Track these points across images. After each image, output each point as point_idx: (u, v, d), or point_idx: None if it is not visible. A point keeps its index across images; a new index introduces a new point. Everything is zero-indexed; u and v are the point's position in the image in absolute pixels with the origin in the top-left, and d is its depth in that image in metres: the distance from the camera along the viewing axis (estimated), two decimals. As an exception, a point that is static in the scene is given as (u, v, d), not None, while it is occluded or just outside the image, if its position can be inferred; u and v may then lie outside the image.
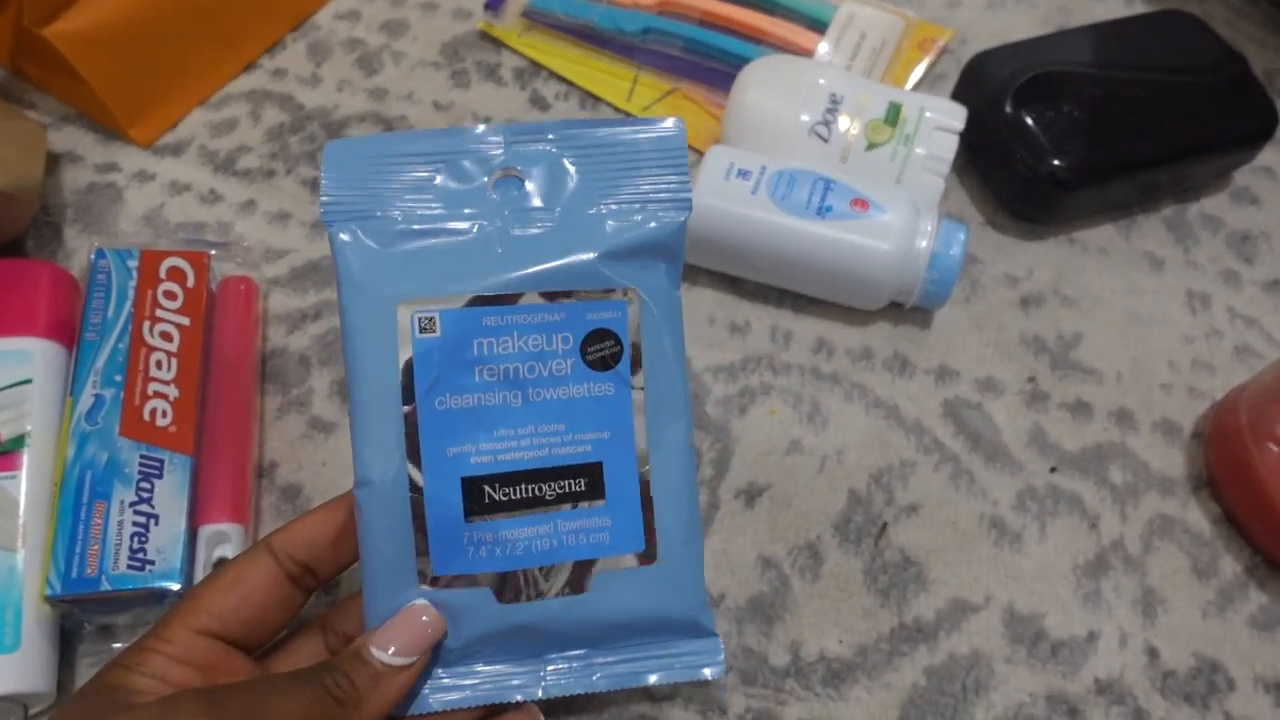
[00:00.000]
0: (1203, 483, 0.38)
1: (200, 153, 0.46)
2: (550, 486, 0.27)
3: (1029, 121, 0.43)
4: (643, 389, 0.28)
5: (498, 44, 0.51)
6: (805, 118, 0.43)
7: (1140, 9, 0.52)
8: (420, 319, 0.26)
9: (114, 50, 0.44)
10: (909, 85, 0.49)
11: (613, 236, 0.27)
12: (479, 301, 0.27)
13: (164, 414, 0.34)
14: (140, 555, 0.32)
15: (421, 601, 0.26)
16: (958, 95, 0.46)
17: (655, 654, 0.29)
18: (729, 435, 0.39)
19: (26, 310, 0.36)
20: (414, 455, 0.26)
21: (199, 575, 0.33)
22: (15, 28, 0.44)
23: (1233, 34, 0.51)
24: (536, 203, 0.28)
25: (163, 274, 0.37)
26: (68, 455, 0.33)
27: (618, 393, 0.27)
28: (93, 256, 0.37)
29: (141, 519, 0.32)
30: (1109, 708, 0.34)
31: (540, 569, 0.27)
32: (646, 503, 0.28)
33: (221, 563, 0.33)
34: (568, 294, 0.27)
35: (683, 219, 0.28)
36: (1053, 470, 0.38)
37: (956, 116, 0.43)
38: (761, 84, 0.44)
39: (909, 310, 0.42)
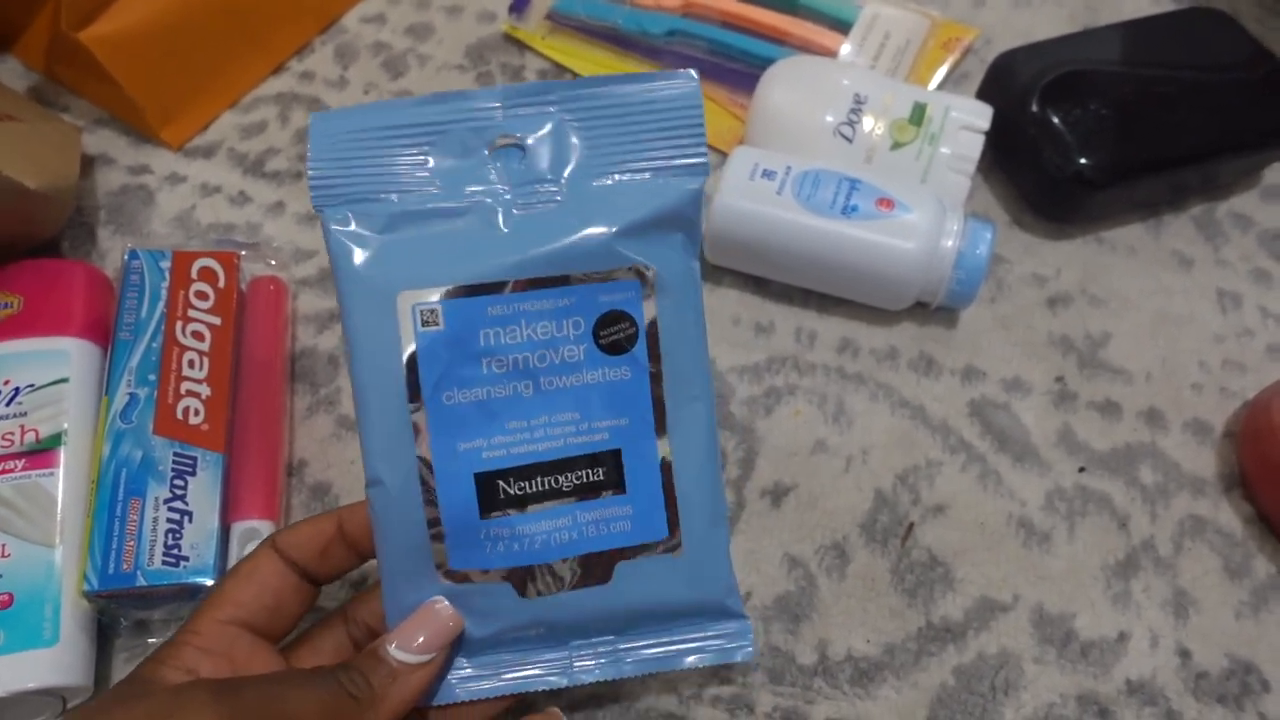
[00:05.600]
0: (1235, 483, 0.38)
1: (230, 155, 0.47)
2: (567, 478, 0.26)
3: (1056, 120, 0.42)
4: (660, 370, 0.26)
5: (522, 46, 0.51)
6: (829, 118, 0.43)
7: (1169, 6, 0.52)
8: (422, 311, 0.25)
9: (147, 54, 0.44)
10: (933, 85, 0.49)
11: (624, 210, 0.26)
12: (483, 290, 0.25)
13: (196, 412, 0.35)
14: (175, 551, 0.32)
15: (438, 598, 0.26)
16: (983, 94, 0.46)
17: (683, 638, 0.28)
18: (754, 435, 0.39)
19: (62, 310, 0.37)
20: (424, 453, 0.26)
21: (232, 571, 0.33)
22: (51, 32, 0.45)
23: (1263, 32, 0.51)
24: (540, 174, 0.26)
25: (194, 274, 0.38)
26: (103, 453, 0.33)
27: (634, 377, 0.26)
28: (126, 257, 0.38)
29: (176, 515, 0.33)
30: (1141, 709, 0.33)
31: (561, 562, 0.26)
32: (669, 488, 0.27)
33: (254, 559, 0.34)
34: (578, 276, 0.26)
35: (698, 185, 0.26)
36: (1081, 470, 0.38)
37: (982, 115, 0.43)
38: (785, 85, 0.44)
39: (935, 310, 0.42)
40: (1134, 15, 0.47)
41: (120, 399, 0.34)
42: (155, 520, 0.33)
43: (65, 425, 0.34)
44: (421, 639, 0.26)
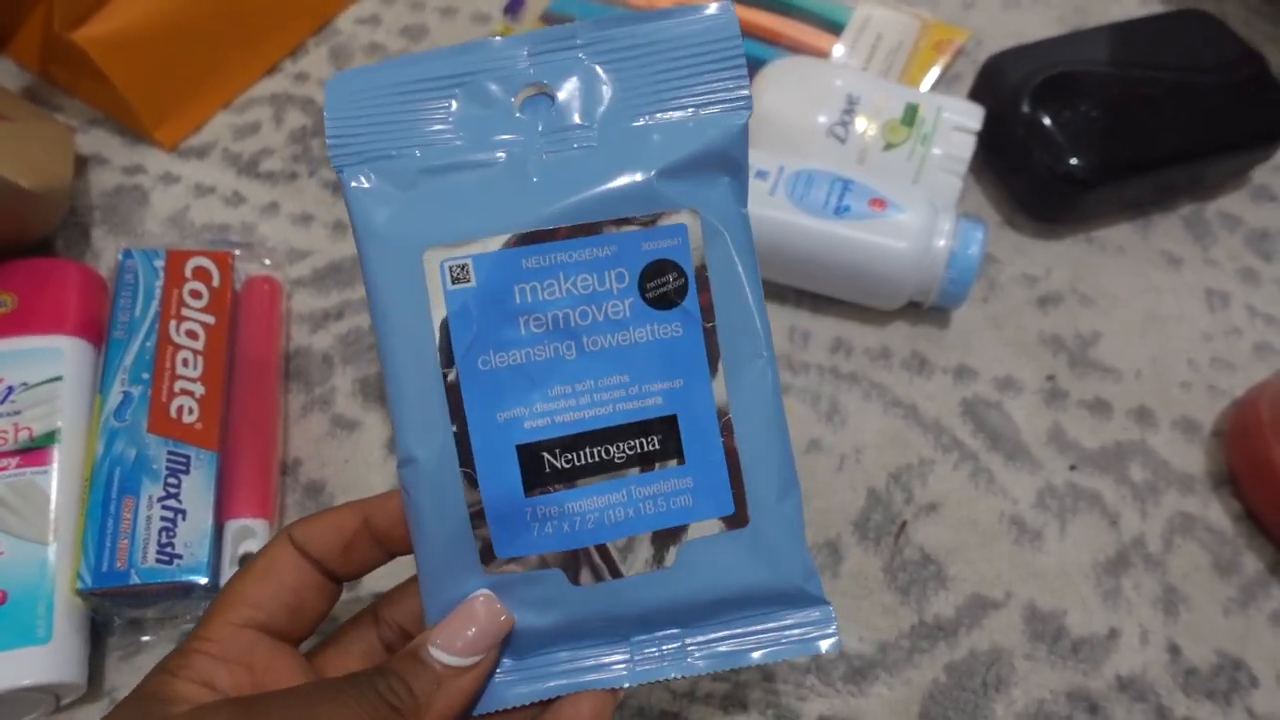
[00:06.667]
0: (1223, 480, 0.38)
1: (224, 155, 0.47)
2: (619, 448, 0.24)
3: (1046, 121, 0.43)
4: (714, 325, 0.24)
5: (516, 47, 0.51)
6: (822, 119, 0.43)
7: (1157, 8, 0.52)
8: (451, 268, 0.23)
9: (141, 54, 0.44)
10: (925, 86, 0.49)
11: (663, 150, 0.24)
12: (516, 241, 0.23)
13: (190, 411, 0.35)
14: (168, 550, 0.32)
15: (484, 592, 0.24)
16: (974, 96, 0.46)
17: (758, 628, 0.25)
18: (748, 433, 0.39)
19: (57, 309, 0.37)
20: (460, 425, 0.24)
21: (225, 570, 0.33)
22: (45, 32, 0.45)
23: (1249, 33, 0.51)
24: (573, 120, 0.24)
25: (188, 274, 0.38)
26: (97, 451, 0.33)
27: (686, 333, 0.24)
28: (120, 256, 0.38)
29: (169, 514, 0.33)
30: (1131, 705, 0.33)
31: (616, 543, 0.24)
32: (731, 457, 0.24)
33: (247, 558, 0.34)
34: (618, 223, 0.24)
35: (743, 121, 0.24)
36: (1072, 468, 0.39)
37: (974, 116, 0.43)
38: (778, 86, 0.44)
39: (927, 310, 0.42)
40: (1122, 17, 0.47)
41: (114, 397, 0.34)
42: (149, 519, 0.33)
43: (59, 423, 0.34)
44: (467, 637, 0.23)
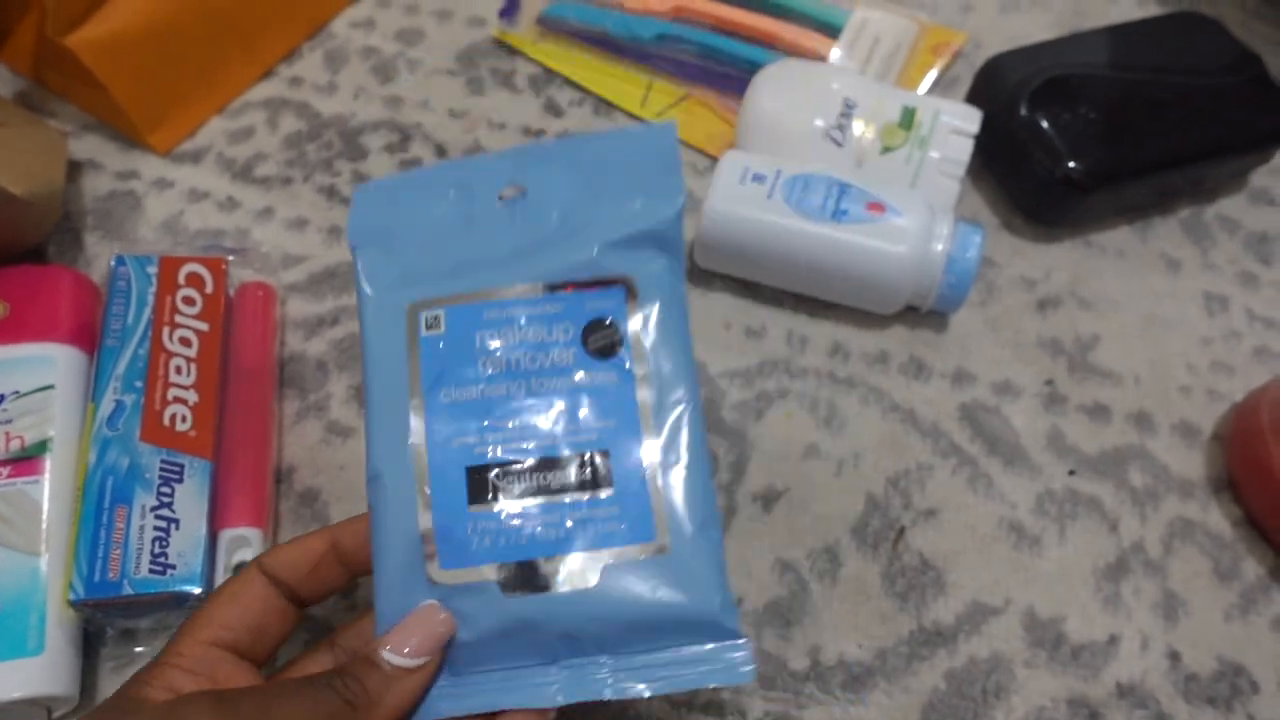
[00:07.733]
0: (1223, 485, 0.38)
1: (218, 160, 0.47)
2: (555, 475, 0.27)
3: (1045, 124, 0.42)
4: (645, 375, 0.28)
5: (512, 51, 0.51)
6: (819, 122, 0.43)
7: (1154, 11, 0.52)
8: (427, 317, 0.29)
9: (134, 59, 0.44)
10: (922, 89, 0.49)
11: (609, 231, 0.29)
12: (481, 297, 0.29)
13: (184, 419, 0.35)
14: (162, 559, 0.32)
15: (431, 601, 0.27)
16: (972, 99, 0.46)
17: (676, 658, 0.27)
18: (745, 440, 0.39)
19: (49, 316, 0.37)
20: (419, 446, 0.27)
21: (219, 579, 0.33)
22: (38, 37, 0.45)
23: (1247, 35, 0.51)
24: (540, 209, 0.30)
25: (181, 280, 0.38)
26: (89, 460, 0.33)
27: (620, 380, 0.28)
28: (113, 263, 0.37)
29: (162, 523, 0.33)
30: (1131, 711, 0.33)
31: (546, 559, 0.27)
32: (655, 490, 0.27)
33: (241, 566, 0.33)
34: (566, 285, 0.29)
35: (674, 211, 0.29)
36: (1071, 473, 0.38)
37: (971, 119, 0.43)
38: (775, 89, 0.44)
39: (925, 314, 0.42)
40: (1120, 20, 0.47)
41: (106, 406, 0.34)
42: (142, 528, 0.32)
43: (51, 432, 0.34)
44: (414, 642, 0.26)
